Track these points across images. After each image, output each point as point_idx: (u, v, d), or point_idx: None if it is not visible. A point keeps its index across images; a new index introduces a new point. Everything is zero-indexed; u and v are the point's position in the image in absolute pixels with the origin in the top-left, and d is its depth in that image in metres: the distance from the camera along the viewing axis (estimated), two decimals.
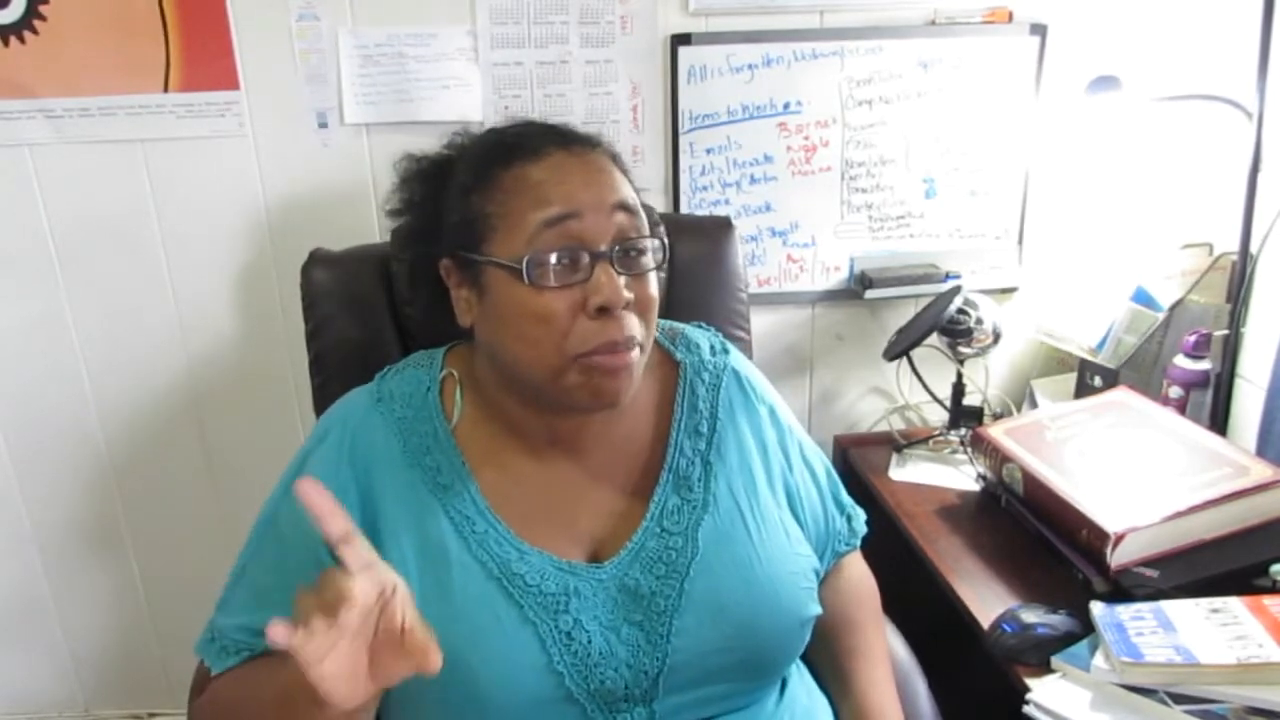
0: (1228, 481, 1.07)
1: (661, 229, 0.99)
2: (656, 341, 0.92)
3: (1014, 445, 1.24)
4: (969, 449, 1.40)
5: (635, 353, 0.78)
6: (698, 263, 1.27)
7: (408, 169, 0.91)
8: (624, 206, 0.79)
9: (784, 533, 0.88)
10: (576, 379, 0.77)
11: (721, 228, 1.31)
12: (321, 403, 1.20)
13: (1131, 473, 1.14)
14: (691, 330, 0.98)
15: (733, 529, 0.85)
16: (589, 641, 0.78)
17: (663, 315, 1.22)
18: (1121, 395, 1.34)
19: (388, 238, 1.13)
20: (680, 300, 1.24)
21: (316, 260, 1.21)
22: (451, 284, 0.84)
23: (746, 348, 1.30)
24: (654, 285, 0.80)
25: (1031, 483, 1.18)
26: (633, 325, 0.77)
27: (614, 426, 0.87)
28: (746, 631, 0.82)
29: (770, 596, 0.83)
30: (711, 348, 0.96)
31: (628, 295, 0.76)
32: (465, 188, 0.81)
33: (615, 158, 0.85)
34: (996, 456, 1.26)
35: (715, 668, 0.81)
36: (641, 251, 0.79)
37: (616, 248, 0.77)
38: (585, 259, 0.75)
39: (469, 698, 0.76)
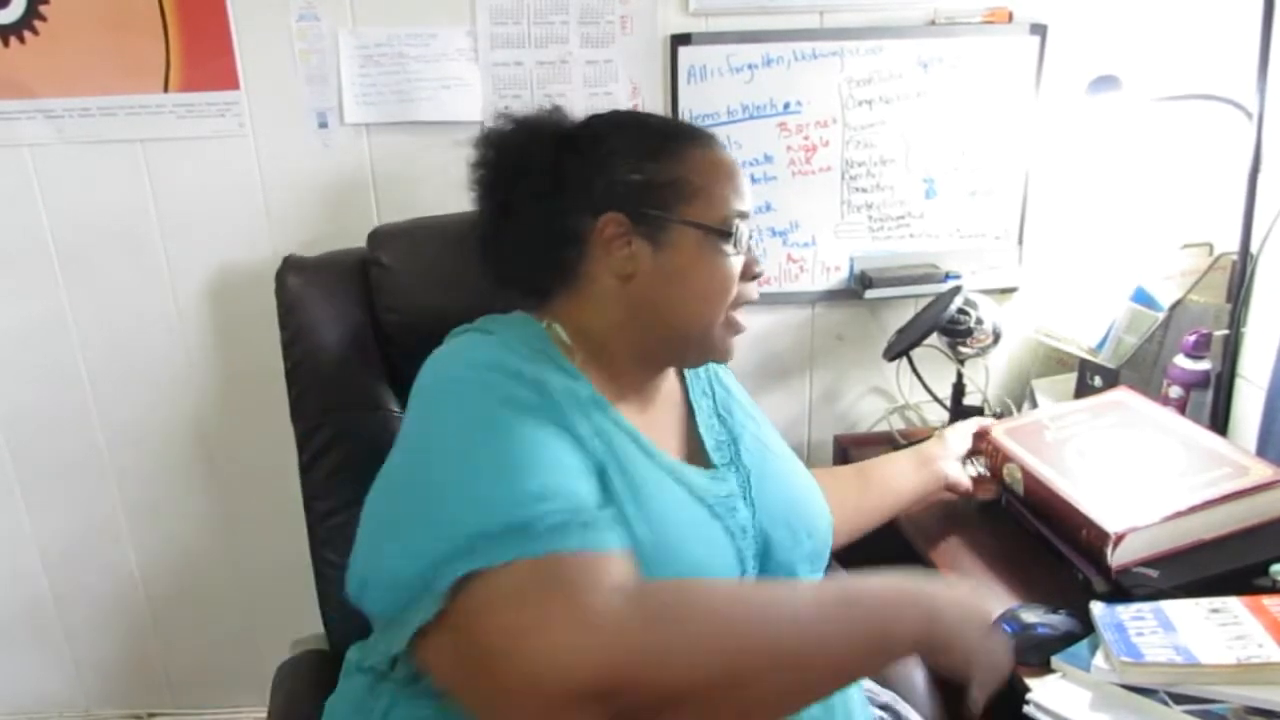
0: (1228, 481, 1.06)
1: None
2: None
3: (1014, 445, 1.24)
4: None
5: None
6: None
7: (532, 132, 0.94)
8: None
9: (790, 452, 1.05)
10: (722, 332, 0.91)
11: None
12: (300, 411, 1.18)
13: (1132, 473, 1.14)
14: None
15: (764, 455, 0.99)
16: (748, 535, 0.89)
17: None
18: (1122, 395, 1.33)
19: None
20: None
21: (290, 267, 1.21)
22: (607, 238, 0.88)
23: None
24: None
25: (1032, 482, 1.18)
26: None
27: (663, 387, 0.98)
28: (810, 527, 0.96)
29: (813, 495, 1.00)
30: None
31: None
32: (653, 153, 0.90)
33: None
34: (997, 456, 1.26)
35: (789, 561, 0.92)
36: None
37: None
38: (748, 237, 0.92)
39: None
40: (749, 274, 0.92)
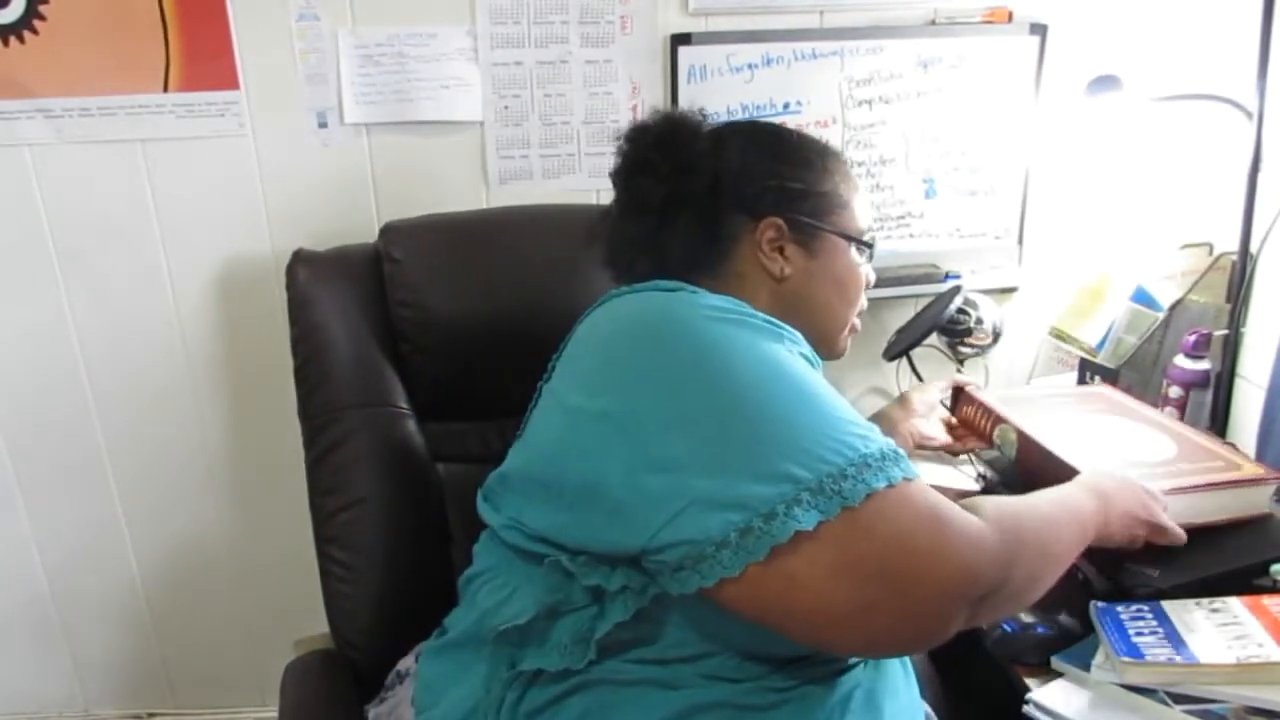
0: (1219, 473, 1.07)
1: None
2: None
3: (1005, 408, 1.21)
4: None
5: None
6: None
7: (686, 130, 0.96)
8: None
9: None
10: (845, 333, 1.01)
11: None
12: (308, 407, 1.17)
13: (1124, 451, 1.13)
14: None
15: None
16: None
17: None
18: (1103, 389, 1.34)
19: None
20: None
21: (301, 260, 1.20)
22: (765, 239, 0.93)
23: None
24: None
25: (1026, 444, 1.15)
26: None
27: None
28: None
29: None
30: None
31: None
32: (808, 164, 0.97)
33: None
34: (987, 418, 1.23)
35: None
36: None
37: None
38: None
39: None
40: (869, 283, 1.02)
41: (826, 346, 0.99)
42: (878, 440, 0.71)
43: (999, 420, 1.21)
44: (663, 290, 0.84)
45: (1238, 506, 1.05)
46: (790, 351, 0.78)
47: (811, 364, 0.81)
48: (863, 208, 1.00)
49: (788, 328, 0.82)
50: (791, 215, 0.93)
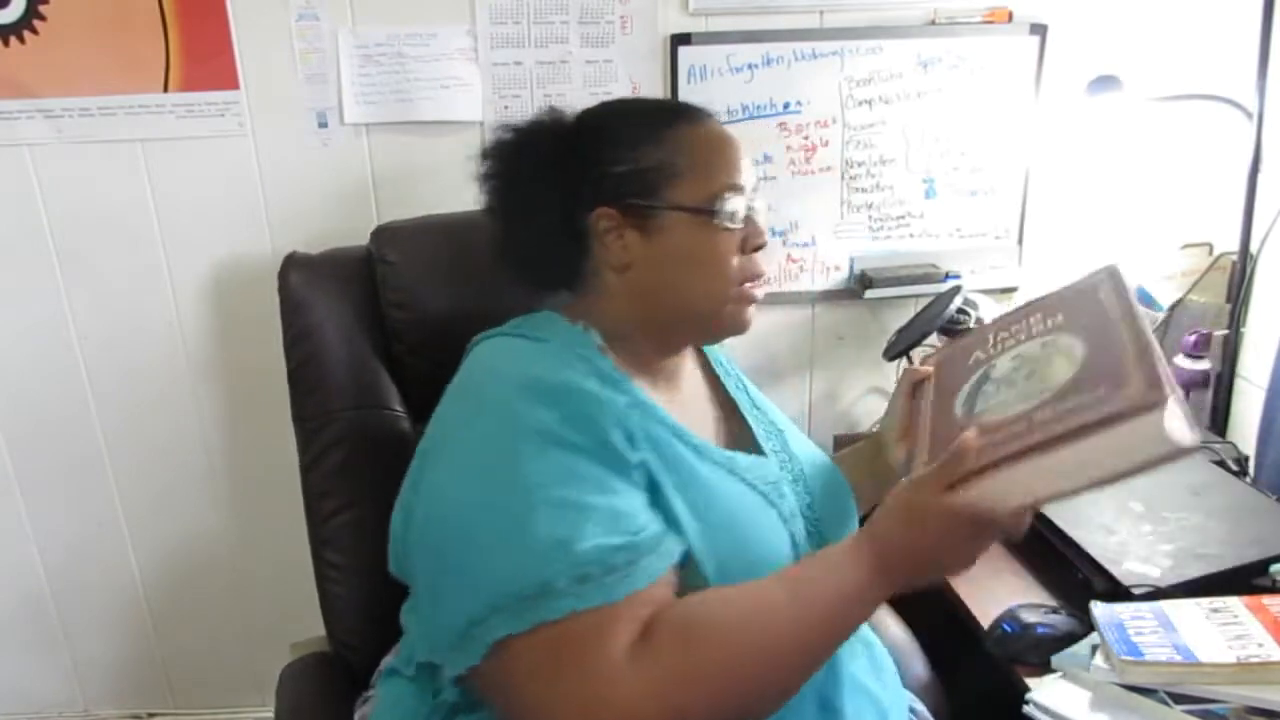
0: (1082, 413, 0.67)
1: None
2: None
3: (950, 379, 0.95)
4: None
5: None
6: None
7: (525, 137, 0.94)
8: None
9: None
10: (733, 307, 0.90)
11: None
12: (303, 411, 1.17)
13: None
14: None
15: (799, 440, 1.02)
16: (797, 519, 0.90)
17: None
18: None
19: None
20: None
21: (293, 264, 1.20)
22: (602, 230, 0.89)
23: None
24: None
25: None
26: (765, 264, 0.94)
27: (687, 368, 0.99)
28: (850, 509, 0.99)
29: (843, 480, 1.01)
30: None
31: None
32: (635, 141, 0.89)
33: None
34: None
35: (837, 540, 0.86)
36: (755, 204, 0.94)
37: (756, 200, 0.92)
38: (745, 209, 0.90)
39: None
40: (750, 246, 0.90)
41: (706, 327, 0.93)
42: (565, 565, 0.71)
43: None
44: (507, 338, 0.89)
45: (1123, 451, 0.65)
46: (546, 444, 0.76)
47: (614, 382, 0.83)
48: (719, 168, 0.89)
49: (597, 382, 0.82)
50: (622, 200, 0.88)
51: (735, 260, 0.89)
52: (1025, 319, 0.86)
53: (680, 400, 0.95)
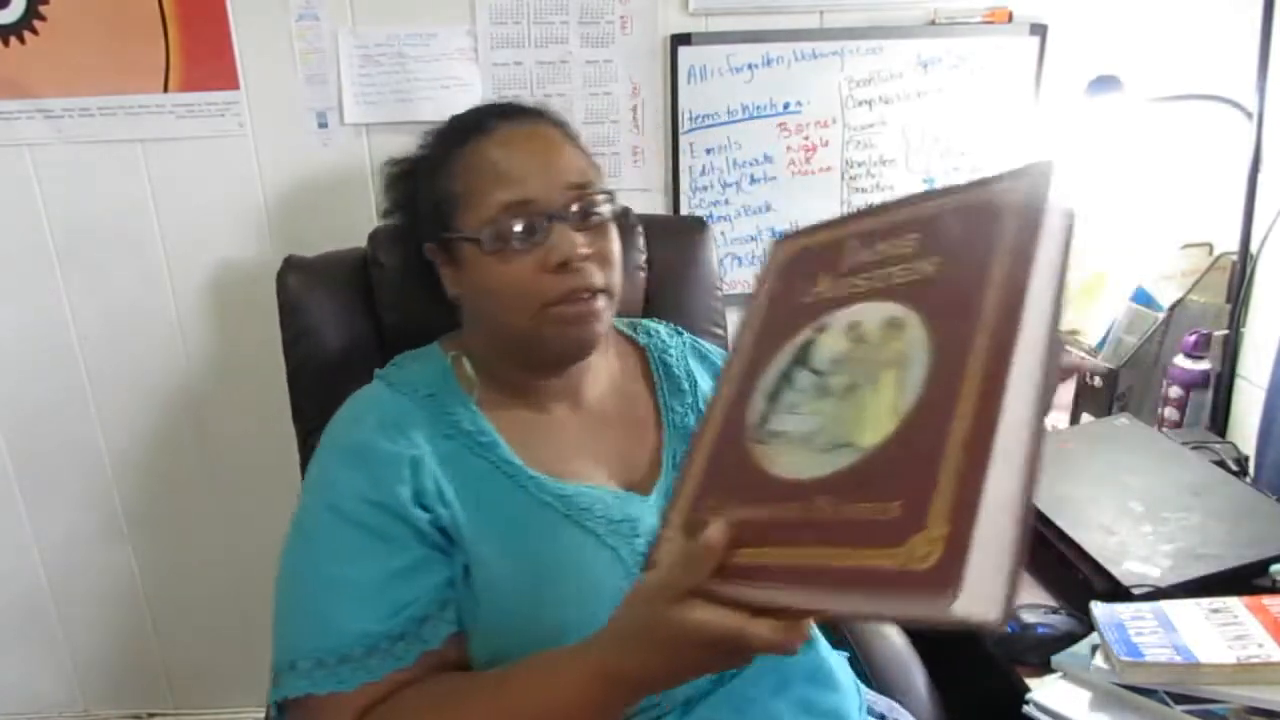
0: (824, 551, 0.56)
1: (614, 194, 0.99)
2: (620, 330, 1.02)
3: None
4: None
5: (600, 300, 0.85)
6: (673, 263, 1.28)
7: (390, 173, 0.95)
8: (575, 178, 0.85)
9: None
10: (551, 330, 0.84)
11: (697, 228, 1.33)
12: (302, 412, 1.18)
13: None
14: (645, 320, 1.07)
15: None
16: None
17: (641, 314, 1.23)
18: None
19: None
20: (657, 300, 1.25)
21: (291, 266, 1.21)
22: (439, 265, 0.90)
23: (723, 345, 1.30)
24: (614, 239, 0.87)
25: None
26: (593, 275, 0.84)
27: (602, 380, 0.94)
28: None
29: None
30: (667, 331, 1.05)
31: (585, 250, 0.83)
32: (431, 172, 0.88)
33: (562, 125, 0.91)
34: None
35: None
36: (595, 208, 0.86)
37: (572, 208, 0.84)
38: (543, 222, 0.83)
39: (558, 636, 0.76)
40: (549, 265, 0.82)
41: (540, 352, 0.87)
42: (312, 646, 0.77)
43: None
44: (376, 381, 0.92)
45: (900, 610, 0.52)
46: (341, 521, 0.80)
47: (477, 446, 0.84)
48: (494, 189, 0.82)
49: (426, 429, 0.84)
50: (435, 235, 0.87)
51: (538, 281, 0.82)
52: (900, 234, 0.64)
53: (551, 424, 0.90)
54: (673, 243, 1.29)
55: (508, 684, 0.73)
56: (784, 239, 0.73)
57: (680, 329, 1.06)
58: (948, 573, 0.46)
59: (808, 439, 0.58)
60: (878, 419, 0.55)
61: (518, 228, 0.82)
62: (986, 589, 0.47)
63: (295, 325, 1.19)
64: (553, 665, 0.69)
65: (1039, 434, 0.50)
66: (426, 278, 0.92)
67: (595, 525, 0.83)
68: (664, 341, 1.02)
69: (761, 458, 0.60)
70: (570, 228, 0.83)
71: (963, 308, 0.55)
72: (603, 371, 0.95)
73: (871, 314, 0.61)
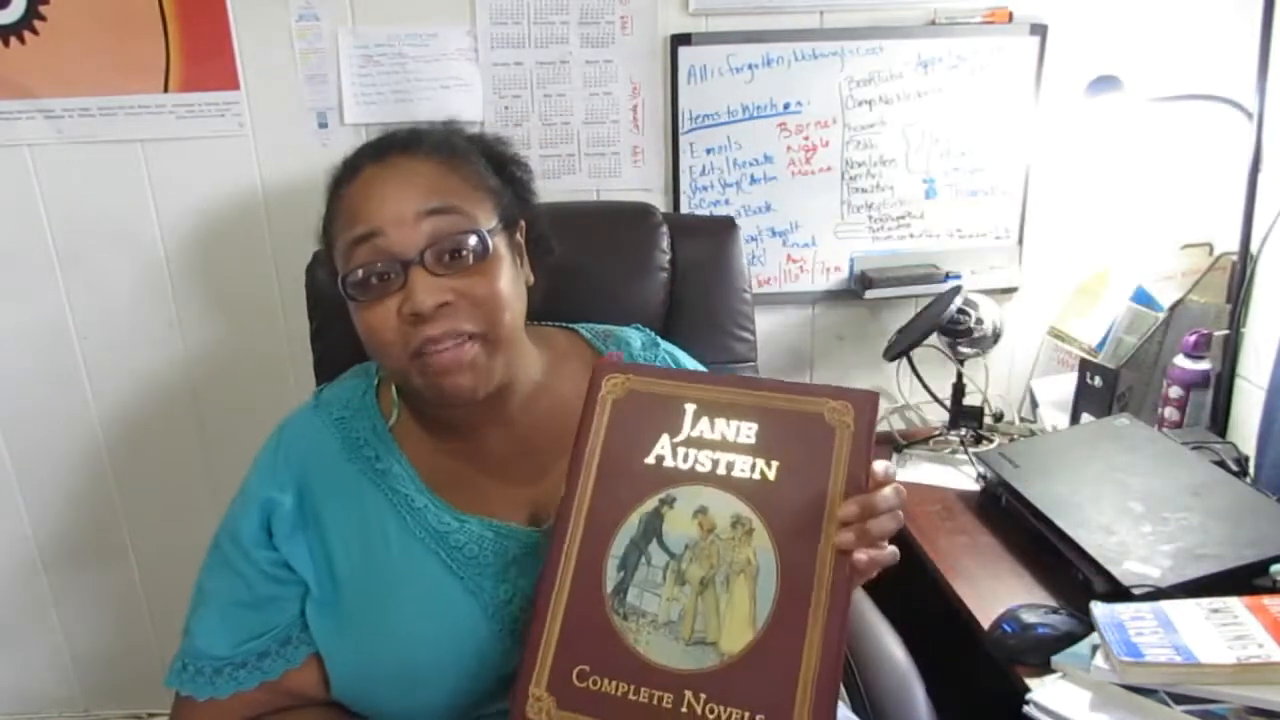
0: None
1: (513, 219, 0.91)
2: (586, 341, 0.98)
3: None
4: (968, 449, 1.39)
5: (470, 346, 0.80)
6: (701, 264, 1.27)
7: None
8: (434, 212, 0.79)
9: None
10: (420, 379, 0.81)
11: (725, 228, 1.31)
12: None
13: None
14: (624, 330, 1.02)
15: None
16: (508, 603, 0.83)
17: (665, 317, 1.22)
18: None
19: None
20: (683, 302, 1.24)
21: (320, 262, 1.21)
22: None
23: (751, 349, 1.30)
24: (492, 274, 0.81)
25: None
26: (457, 320, 0.79)
27: (541, 400, 0.91)
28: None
29: None
30: (643, 343, 1.00)
31: (440, 297, 0.77)
32: (325, 214, 0.87)
33: (449, 154, 0.85)
34: None
35: None
36: (459, 249, 0.79)
37: (427, 252, 0.78)
38: (397, 267, 0.77)
39: (410, 675, 0.80)
40: (404, 311, 0.77)
41: (421, 395, 0.83)
42: (193, 648, 0.85)
43: None
44: (313, 395, 0.94)
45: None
46: (233, 543, 0.87)
47: (376, 475, 0.86)
48: (345, 238, 0.79)
49: (324, 456, 0.87)
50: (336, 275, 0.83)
51: (401, 331, 0.78)
52: (740, 417, 0.71)
53: (467, 451, 0.89)
54: (699, 243, 1.28)
55: None
56: (609, 370, 0.77)
57: (659, 339, 1.02)
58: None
59: (671, 628, 0.66)
60: (736, 625, 0.64)
61: (368, 273, 0.78)
62: None
63: (319, 317, 1.23)
64: None
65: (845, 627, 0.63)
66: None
67: (463, 569, 0.83)
68: (631, 356, 0.98)
69: (624, 632, 0.66)
70: (427, 272, 0.77)
71: (803, 530, 0.65)
72: (546, 390, 0.91)
73: (719, 504, 0.68)
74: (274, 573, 0.84)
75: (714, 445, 0.70)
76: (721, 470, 0.69)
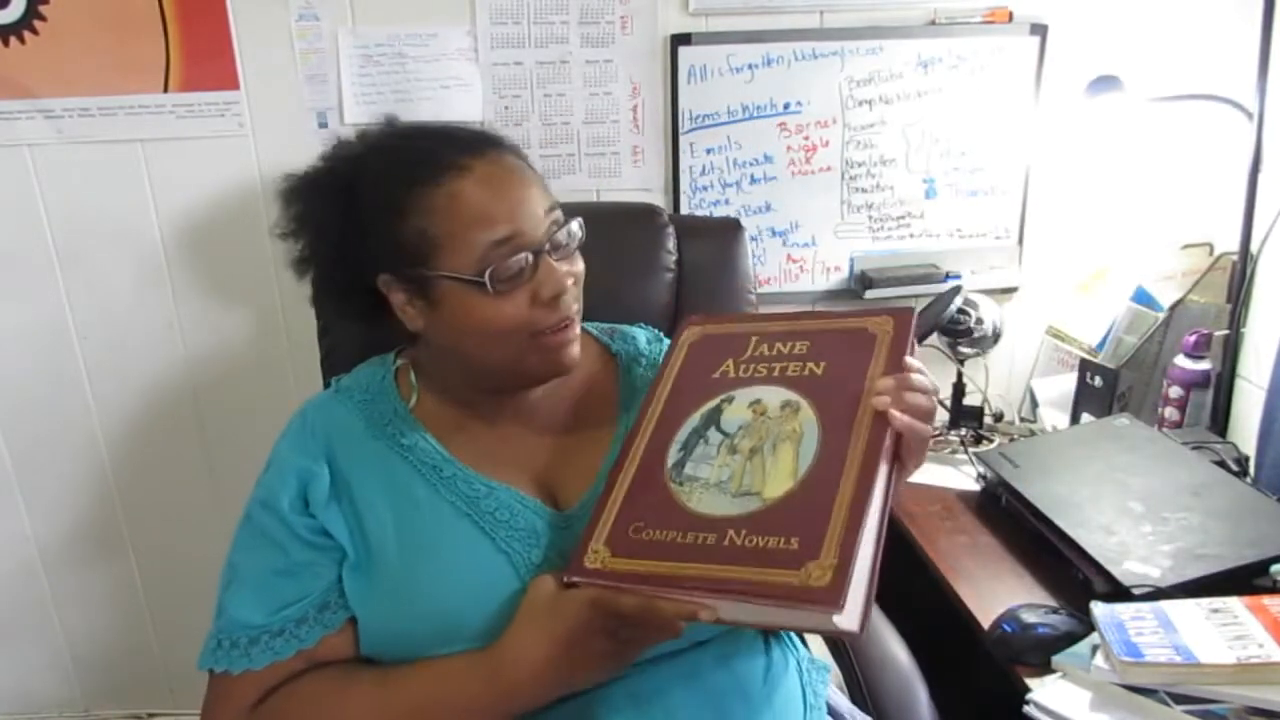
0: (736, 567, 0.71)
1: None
2: (594, 338, 1.02)
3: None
4: (968, 449, 1.40)
5: (577, 324, 0.89)
6: (706, 265, 1.27)
7: (296, 188, 0.94)
8: (552, 207, 0.88)
9: None
10: (536, 358, 0.87)
11: (731, 229, 1.32)
12: None
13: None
14: (630, 328, 1.06)
15: None
16: (537, 568, 0.84)
17: (671, 318, 1.22)
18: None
19: None
20: (689, 303, 1.24)
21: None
22: (393, 296, 0.88)
23: None
24: (580, 259, 0.91)
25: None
26: (573, 301, 0.88)
27: (561, 391, 0.95)
28: None
29: None
30: (648, 339, 1.03)
31: (568, 280, 0.86)
32: (391, 209, 0.85)
33: (519, 152, 0.91)
34: None
35: None
36: (569, 238, 0.88)
37: (548, 243, 0.86)
38: (530, 258, 0.84)
39: (444, 630, 0.81)
40: (540, 299, 0.84)
41: (517, 379, 0.89)
42: (228, 621, 0.84)
43: None
44: (332, 385, 0.96)
45: (789, 619, 0.69)
46: (265, 512, 0.86)
47: (405, 449, 0.87)
48: (477, 230, 0.82)
49: (351, 437, 0.89)
50: (398, 269, 0.85)
51: (526, 314, 0.84)
52: (794, 340, 0.82)
53: (490, 434, 0.91)
54: (705, 244, 1.29)
55: (394, 686, 0.79)
56: (690, 323, 0.91)
57: (661, 337, 1.04)
58: (837, 591, 0.63)
59: (720, 485, 0.74)
60: (779, 478, 0.72)
61: (514, 268, 0.83)
62: (854, 608, 0.65)
63: (324, 315, 1.23)
64: (446, 667, 0.78)
65: (887, 501, 0.71)
66: (366, 304, 0.90)
67: (495, 529, 0.84)
68: (638, 350, 1.00)
69: (678, 494, 0.75)
70: (554, 259, 0.85)
71: (845, 404, 0.74)
72: (562, 381, 0.93)
73: (771, 395, 0.79)
74: (312, 539, 0.85)
75: (772, 359, 0.82)
76: (776, 374, 0.80)
